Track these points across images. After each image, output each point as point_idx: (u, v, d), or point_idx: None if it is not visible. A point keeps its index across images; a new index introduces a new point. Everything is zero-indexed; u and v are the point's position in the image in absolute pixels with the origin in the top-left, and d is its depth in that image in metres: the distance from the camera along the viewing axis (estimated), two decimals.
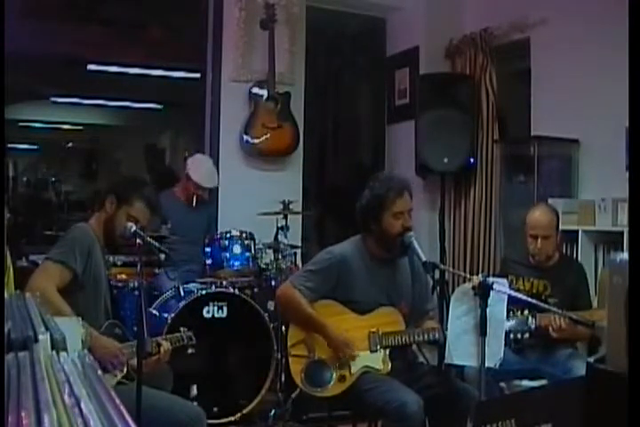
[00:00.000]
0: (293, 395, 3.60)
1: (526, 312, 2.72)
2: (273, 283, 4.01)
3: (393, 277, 2.86)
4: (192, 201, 4.29)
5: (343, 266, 2.76)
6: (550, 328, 2.97)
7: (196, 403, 2.74)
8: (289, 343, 2.76)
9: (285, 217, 4.07)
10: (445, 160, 4.63)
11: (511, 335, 2.72)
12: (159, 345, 2.66)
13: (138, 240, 2.58)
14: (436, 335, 2.70)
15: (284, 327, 3.73)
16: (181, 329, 2.87)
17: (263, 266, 4.15)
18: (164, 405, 2.43)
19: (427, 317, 2.88)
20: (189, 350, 2.88)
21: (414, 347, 2.95)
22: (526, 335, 2.76)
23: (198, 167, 4.32)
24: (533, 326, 2.76)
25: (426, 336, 2.75)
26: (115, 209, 2.69)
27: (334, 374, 2.69)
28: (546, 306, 2.80)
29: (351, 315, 2.76)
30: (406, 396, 2.52)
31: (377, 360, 2.72)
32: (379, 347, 2.73)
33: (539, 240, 3.22)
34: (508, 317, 2.63)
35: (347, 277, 2.76)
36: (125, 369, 2.52)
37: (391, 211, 2.73)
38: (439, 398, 2.58)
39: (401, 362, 2.79)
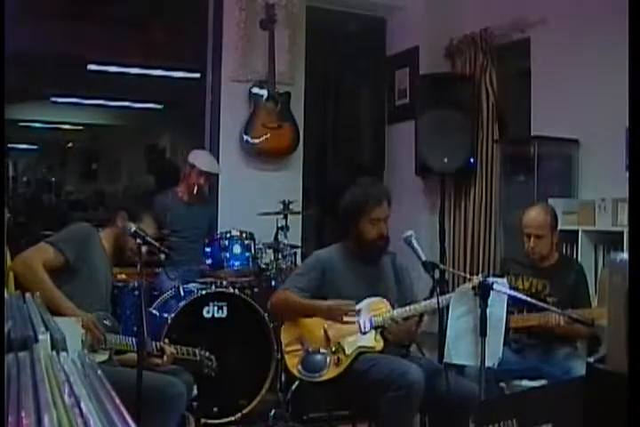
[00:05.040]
0: (293, 387, 3.59)
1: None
2: (273, 283, 4.01)
3: (377, 275, 2.97)
4: (194, 196, 4.30)
5: (328, 265, 2.90)
6: (550, 326, 2.98)
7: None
8: (283, 342, 2.87)
9: (285, 217, 4.07)
10: (445, 160, 4.63)
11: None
12: (162, 350, 2.71)
13: (138, 240, 2.66)
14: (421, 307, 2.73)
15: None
16: (198, 351, 2.96)
17: (263, 266, 4.15)
18: (146, 382, 2.46)
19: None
20: (206, 370, 2.96)
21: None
22: None
23: (200, 156, 4.41)
24: None
25: (412, 311, 2.77)
26: (126, 225, 2.80)
27: (329, 359, 2.75)
28: (545, 305, 2.81)
29: None
30: (407, 366, 2.59)
31: (369, 340, 2.79)
32: (368, 328, 2.79)
33: (532, 239, 3.24)
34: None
35: (332, 275, 2.89)
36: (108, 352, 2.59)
37: (368, 217, 2.86)
38: (440, 397, 2.58)
39: None
